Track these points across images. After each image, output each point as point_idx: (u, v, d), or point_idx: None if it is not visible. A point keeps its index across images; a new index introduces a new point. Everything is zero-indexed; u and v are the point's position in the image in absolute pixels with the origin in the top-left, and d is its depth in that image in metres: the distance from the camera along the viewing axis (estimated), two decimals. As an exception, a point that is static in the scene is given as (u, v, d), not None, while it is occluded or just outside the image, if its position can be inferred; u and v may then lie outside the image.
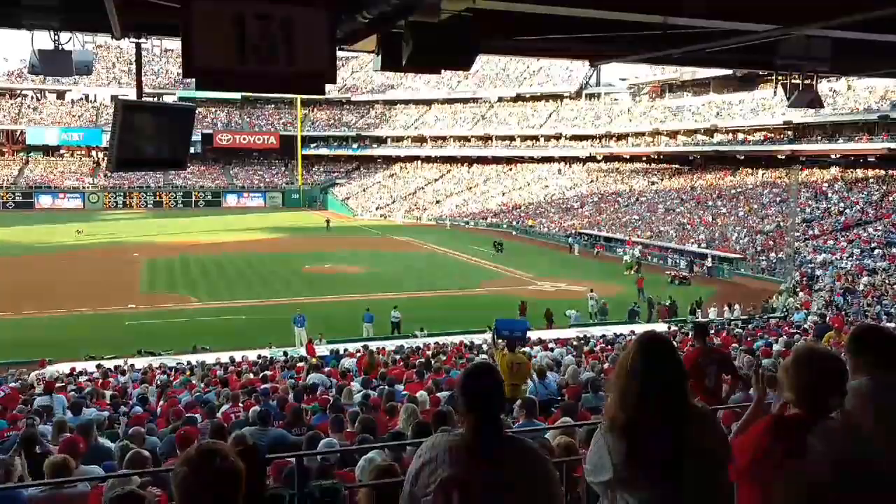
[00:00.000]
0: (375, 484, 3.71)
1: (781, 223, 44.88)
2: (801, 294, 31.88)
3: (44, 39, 6.21)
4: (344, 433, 6.57)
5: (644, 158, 68.21)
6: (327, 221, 64.75)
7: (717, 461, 2.79)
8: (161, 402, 12.62)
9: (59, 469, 5.18)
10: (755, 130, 58.14)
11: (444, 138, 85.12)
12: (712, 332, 21.13)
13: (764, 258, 40.96)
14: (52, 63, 6.09)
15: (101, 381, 15.93)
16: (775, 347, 13.55)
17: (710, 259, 42.31)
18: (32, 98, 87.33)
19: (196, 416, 8.97)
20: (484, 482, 2.64)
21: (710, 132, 61.59)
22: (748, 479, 2.87)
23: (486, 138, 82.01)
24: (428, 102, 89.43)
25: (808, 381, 2.79)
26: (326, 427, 7.53)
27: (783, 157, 54.66)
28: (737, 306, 29.40)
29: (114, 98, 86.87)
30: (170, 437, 7.97)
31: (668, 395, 2.69)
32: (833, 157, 51.89)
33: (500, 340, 12.74)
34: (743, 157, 58.32)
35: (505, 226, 64.06)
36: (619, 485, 2.71)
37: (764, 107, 57.28)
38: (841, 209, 44.46)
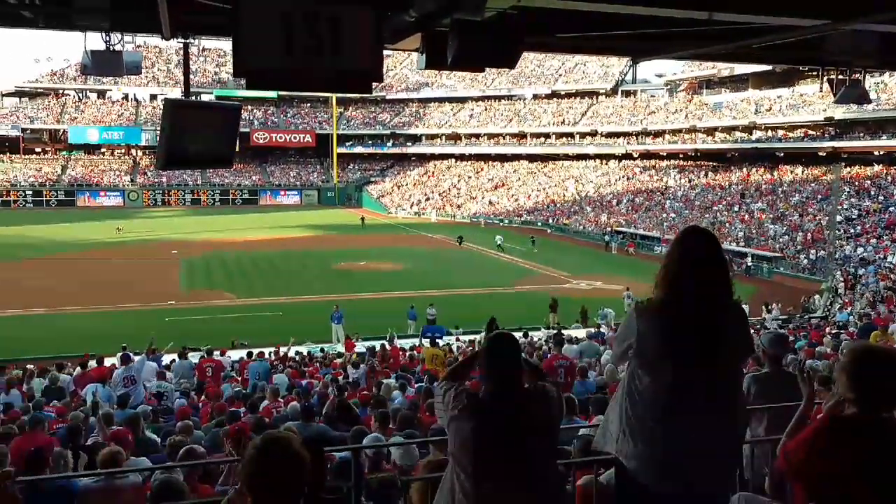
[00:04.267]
0: (430, 477, 3.74)
1: (822, 221, 44.10)
2: (843, 293, 31.33)
3: (95, 40, 6.35)
4: (387, 429, 6.63)
5: (681, 156, 67.42)
6: (362, 219, 65.10)
7: (741, 355, 3.12)
8: (202, 397, 12.82)
9: (110, 461, 5.30)
10: (795, 127, 57.15)
11: (478, 136, 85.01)
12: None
13: (805, 256, 40.28)
14: (104, 63, 6.22)
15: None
16: (819, 349, 13.32)
17: (749, 257, 41.70)
18: (74, 97, 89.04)
19: (239, 410, 9.09)
20: (504, 436, 2.95)
21: (748, 129, 60.68)
22: (804, 479, 2.84)
23: (520, 136, 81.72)
24: (462, 100, 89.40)
25: (869, 380, 2.76)
26: (367, 422, 7.60)
27: (824, 154, 53.62)
28: (775, 305, 28.93)
29: (154, 97, 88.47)
30: (214, 431, 8.10)
31: (701, 278, 2.89)
32: (876, 153, 50.79)
33: (425, 340, 19.84)
34: (782, 155, 57.34)
35: (540, 223, 63.81)
36: (641, 361, 2.95)
37: (804, 103, 56.28)
38: (884, 207, 43.50)
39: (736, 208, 52.09)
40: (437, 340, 19.93)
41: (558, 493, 3.16)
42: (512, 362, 3.13)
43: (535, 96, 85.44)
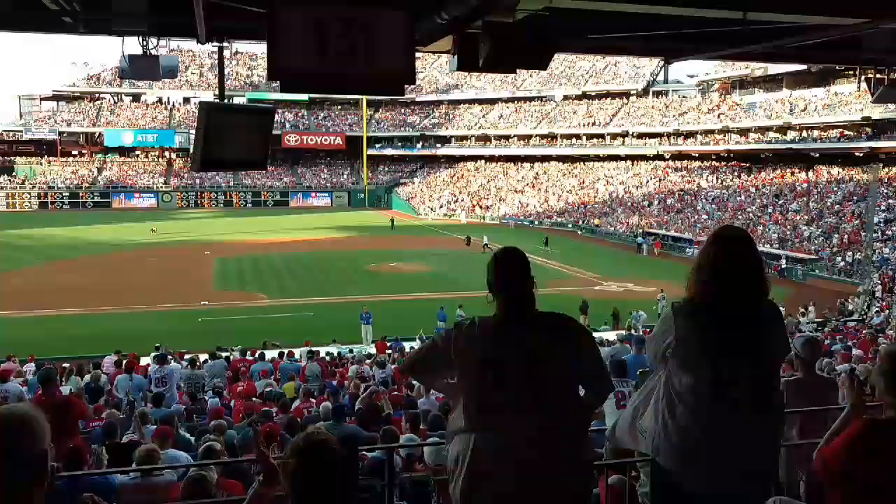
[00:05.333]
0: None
1: (859, 223, 43.34)
2: (881, 295, 30.79)
3: (132, 45, 6.47)
4: (420, 430, 6.66)
5: (713, 156, 66.68)
6: (392, 221, 65.34)
7: (778, 355, 3.07)
8: (234, 384, 12.99)
9: (147, 458, 5.40)
10: (831, 127, 56.21)
11: (508, 137, 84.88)
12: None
13: (841, 259, 39.62)
14: (142, 68, 6.33)
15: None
16: (855, 352, 13.11)
17: (783, 259, 41.13)
18: (110, 101, 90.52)
19: (271, 410, 9.18)
20: (517, 358, 2.83)
21: (782, 129, 59.81)
22: (841, 484, 2.81)
23: (550, 137, 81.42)
24: (492, 101, 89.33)
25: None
26: (398, 422, 7.64)
27: (861, 155, 52.68)
28: (811, 308, 28.52)
29: (187, 100, 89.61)
30: (246, 430, 8.20)
31: (737, 278, 2.88)
32: (916, 154, 49.77)
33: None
34: (818, 155, 56.43)
35: (570, 225, 63.51)
36: (680, 362, 2.91)
37: (840, 103, 55.36)
38: (923, 208, 42.63)
39: (770, 210, 51.40)
40: None
41: (575, 434, 2.93)
42: (522, 278, 2.97)
43: (566, 97, 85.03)
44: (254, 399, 11.51)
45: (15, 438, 1.90)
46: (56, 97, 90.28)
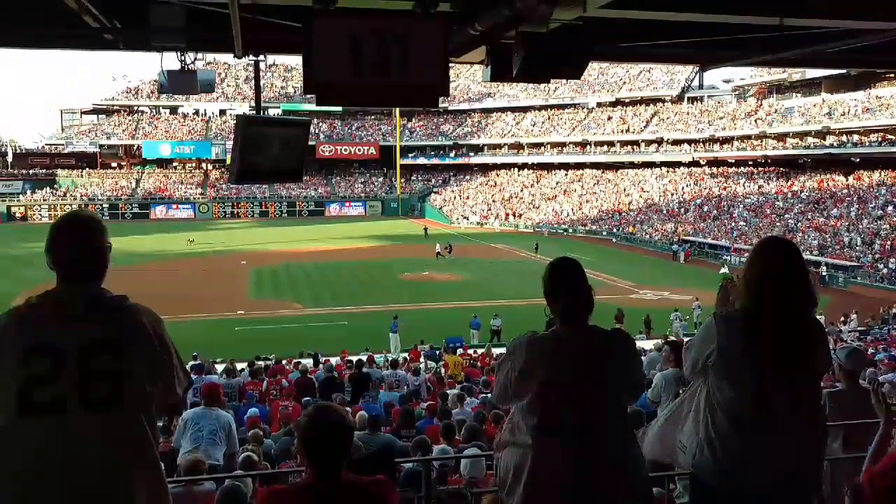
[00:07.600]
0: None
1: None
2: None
3: (170, 60, 6.59)
4: (453, 440, 6.64)
5: (750, 162, 65.81)
6: (425, 229, 65.49)
7: (820, 369, 3.04)
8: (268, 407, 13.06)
9: (192, 468, 5.47)
10: (871, 131, 55.15)
11: (541, 145, 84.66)
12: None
13: (884, 265, 38.78)
14: (180, 83, 6.45)
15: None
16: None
17: (823, 267, 40.38)
18: (148, 114, 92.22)
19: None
20: (578, 376, 2.84)
21: (821, 134, 58.83)
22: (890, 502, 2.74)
23: (583, 144, 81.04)
24: (524, 109, 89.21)
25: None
26: (433, 432, 7.63)
27: (903, 159, 51.63)
28: (853, 316, 27.93)
29: (223, 112, 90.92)
30: (283, 440, 8.27)
31: (782, 291, 2.86)
32: (959, 157, 48.64)
33: (446, 352, 21.23)
34: (858, 160, 55.40)
35: (605, 233, 63.07)
36: (721, 373, 2.88)
37: (881, 106, 54.30)
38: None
39: (809, 216, 50.55)
40: (456, 350, 21.51)
41: (630, 445, 2.97)
42: (579, 287, 2.94)
43: (599, 104, 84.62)
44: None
45: (90, 230, 2.77)
46: (96, 111, 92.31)
